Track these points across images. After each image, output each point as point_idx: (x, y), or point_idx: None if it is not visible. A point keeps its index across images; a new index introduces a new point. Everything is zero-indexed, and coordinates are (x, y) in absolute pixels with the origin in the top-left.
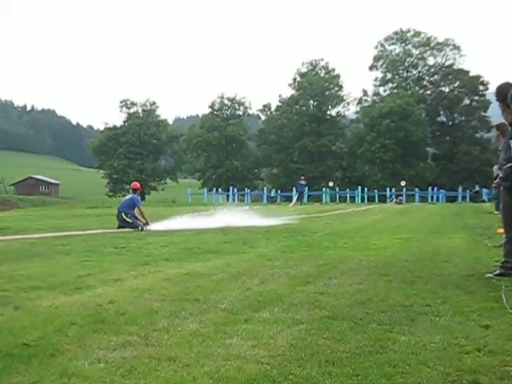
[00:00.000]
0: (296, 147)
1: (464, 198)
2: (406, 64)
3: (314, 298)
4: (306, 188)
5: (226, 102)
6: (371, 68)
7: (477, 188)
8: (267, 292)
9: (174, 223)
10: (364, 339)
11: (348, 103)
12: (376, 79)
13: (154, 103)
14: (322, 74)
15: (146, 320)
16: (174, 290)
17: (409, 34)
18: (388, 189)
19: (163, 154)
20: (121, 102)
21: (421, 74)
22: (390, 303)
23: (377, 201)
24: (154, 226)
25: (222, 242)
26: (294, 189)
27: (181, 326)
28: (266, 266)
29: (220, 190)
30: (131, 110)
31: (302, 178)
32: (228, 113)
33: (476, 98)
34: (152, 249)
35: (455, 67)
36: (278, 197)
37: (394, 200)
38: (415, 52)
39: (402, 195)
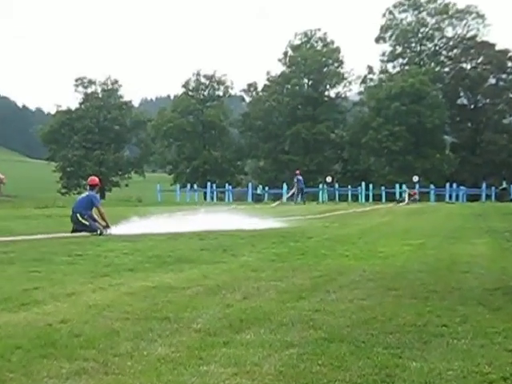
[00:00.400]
0: (287, 135)
1: (488, 196)
2: (420, 35)
3: (307, 317)
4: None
5: (203, 80)
6: (378, 40)
7: (504, 184)
8: (251, 309)
9: (140, 226)
10: (367, 366)
11: (350, 82)
12: (383, 54)
13: (116, 82)
14: (319, 48)
15: (106, 343)
16: (139, 306)
17: (423, 0)
18: (398, 185)
19: (127, 143)
20: (76, 80)
21: (437, 47)
22: (399, 323)
23: (384, 199)
24: (116, 230)
25: (198, 249)
26: (284, 185)
27: (147, 349)
28: (251, 278)
29: (196, 186)
30: (89, 90)
31: (298, 172)
32: (205, 93)
33: (503, 76)
34: (113, 257)
35: (478, 39)
36: (266, 194)
37: (406, 199)
38: (431, 21)
39: (416, 192)
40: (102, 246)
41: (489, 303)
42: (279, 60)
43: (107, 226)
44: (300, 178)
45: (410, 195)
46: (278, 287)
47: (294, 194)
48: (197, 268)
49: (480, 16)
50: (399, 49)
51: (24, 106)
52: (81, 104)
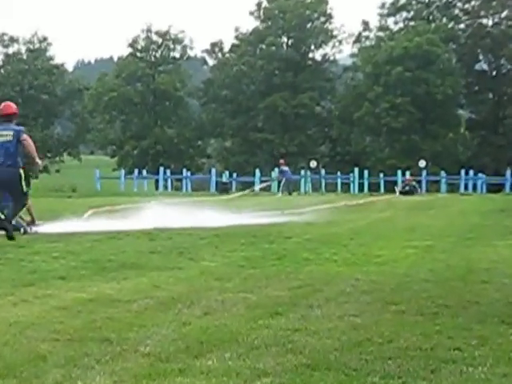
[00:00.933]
0: (261, 108)
1: None
2: None
3: (285, 338)
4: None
5: (154, 38)
6: None
7: None
8: (214, 328)
9: (75, 223)
10: None
11: (340, 42)
12: (383, 6)
13: (45, 40)
14: None
15: (30, 370)
16: (72, 324)
17: None
18: (400, 172)
19: (58, 118)
20: None
21: None
22: (401, 345)
23: (383, 190)
24: (44, 228)
25: (147, 252)
26: (257, 171)
27: (82, 379)
28: (214, 289)
29: (145, 172)
30: (10, 50)
31: (282, 162)
32: (158, 55)
33: None
34: (40, 262)
35: None
36: (233, 183)
37: (399, 187)
38: None
39: (414, 180)
40: (26, 247)
41: None
42: (251, 13)
43: (33, 223)
44: (286, 168)
45: (403, 183)
46: (247, 300)
47: (282, 184)
48: (145, 276)
49: None
50: (402, 0)
51: None
52: (0, 67)
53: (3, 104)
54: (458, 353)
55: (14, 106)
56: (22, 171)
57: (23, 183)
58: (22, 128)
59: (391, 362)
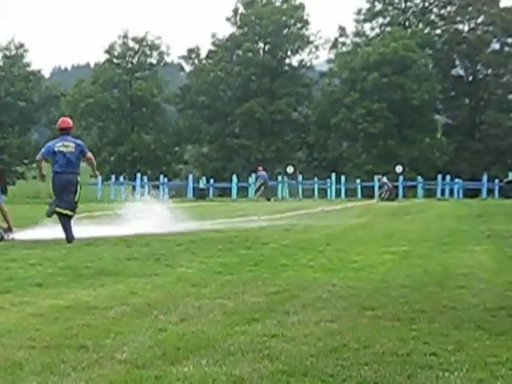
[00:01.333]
0: (238, 114)
1: (491, 191)
2: None
3: (262, 344)
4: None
5: (131, 44)
6: None
7: (510, 177)
8: (191, 334)
9: (51, 230)
10: None
11: (317, 48)
12: (359, 12)
13: (22, 46)
14: (278, 3)
15: (6, 378)
16: (48, 331)
17: None
18: (376, 177)
19: (35, 124)
20: None
21: (427, 3)
22: (377, 351)
23: (360, 195)
24: (20, 234)
25: (124, 259)
26: (234, 177)
27: None
28: (190, 295)
29: (122, 178)
30: None
31: (261, 168)
32: (135, 61)
33: (510, 40)
34: (16, 269)
35: None
36: (211, 189)
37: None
38: None
39: (387, 184)
40: (2, 254)
41: (490, 326)
42: (228, 19)
43: (9, 229)
44: (263, 173)
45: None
46: (224, 307)
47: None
48: (122, 282)
49: None
50: (379, 6)
51: None
52: None
53: (61, 119)
54: (434, 358)
55: (70, 121)
56: (79, 178)
57: (78, 188)
58: (82, 143)
59: (367, 368)
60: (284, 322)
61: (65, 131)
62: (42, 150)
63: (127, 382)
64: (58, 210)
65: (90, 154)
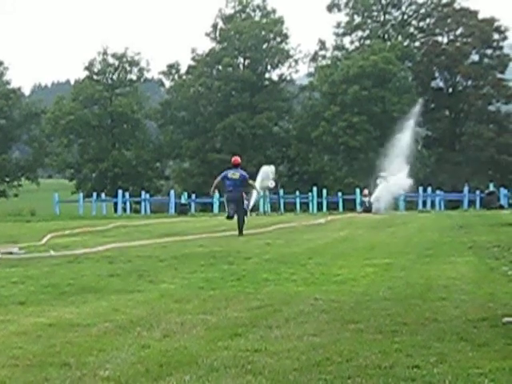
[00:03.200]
0: (219, 129)
1: (472, 202)
2: (384, 1)
3: (245, 359)
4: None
5: (111, 60)
6: (330, 8)
7: (491, 188)
8: (174, 350)
9: (33, 247)
10: None
11: (296, 61)
12: (338, 25)
13: (1, 63)
14: (257, 18)
15: None
16: (31, 349)
17: None
18: (358, 190)
19: (16, 142)
20: None
21: (406, 16)
22: (360, 364)
23: (341, 209)
24: (1, 252)
25: (107, 275)
26: (216, 192)
27: None
28: (173, 311)
29: (104, 195)
30: None
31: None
32: (115, 77)
33: (488, 52)
34: None
35: (457, 6)
36: (193, 204)
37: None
38: None
39: (367, 195)
40: None
41: (472, 338)
42: (207, 34)
43: None
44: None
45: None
46: (207, 322)
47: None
48: (104, 299)
49: None
50: (358, 19)
51: None
52: None
53: (234, 158)
54: (417, 370)
55: (239, 159)
56: (244, 195)
57: (244, 201)
58: (246, 174)
59: (351, 382)
60: (267, 336)
61: (236, 165)
62: (221, 174)
63: None
64: (231, 213)
65: (250, 180)
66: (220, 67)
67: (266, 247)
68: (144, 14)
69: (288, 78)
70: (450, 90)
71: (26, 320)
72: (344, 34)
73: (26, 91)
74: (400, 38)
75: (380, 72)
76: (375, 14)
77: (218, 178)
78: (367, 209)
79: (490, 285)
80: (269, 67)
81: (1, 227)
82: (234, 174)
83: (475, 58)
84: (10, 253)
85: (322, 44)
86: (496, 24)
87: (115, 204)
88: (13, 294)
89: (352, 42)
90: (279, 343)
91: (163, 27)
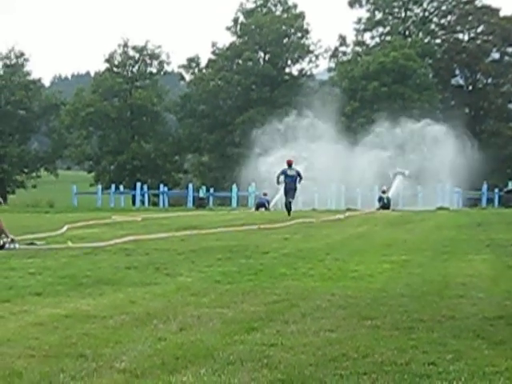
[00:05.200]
0: (238, 123)
1: (490, 200)
2: None
3: (261, 353)
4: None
5: (131, 53)
6: (352, 4)
7: (510, 186)
8: (190, 344)
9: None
10: None
11: (317, 57)
12: (359, 21)
13: (22, 55)
14: (278, 13)
15: None
16: (48, 340)
17: None
18: (376, 186)
19: (35, 133)
20: None
21: (427, 13)
22: (376, 360)
23: (360, 205)
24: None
25: (124, 267)
26: (234, 187)
27: None
28: (190, 305)
29: (122, 187)
30: None
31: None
32: (135, 70)
33: (509, 50)
34: (16, 278)
35: (478, 3)
36: (211, 198)
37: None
38: None
39: (386, 191)
40: (1, 263)
41: (488, 336)
42: (228, 28)
43: (10, 239)
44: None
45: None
46: (223, 316)
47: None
48: (122, 291)
49: None
50: (379, 15)
51: None
52: None
53: (289, 160)
54: (432, 367)
55: (293, 159)
56: (298, 186)
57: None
58: (300, 171)
59: (366, 377)
60: (283, 331)
61: (290, 164)
62: (281, 171)
63: None
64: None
65: (302, 175)
66: (240, 61)
67: (284, 242)
68: (165, 7)
69: (308, 73)
70: (470, 87)
71: (42, 311)
72: (365, 30)
73: (46, 82)
74: (421, 34)
75: (400, 68)
76: (396, 10)
77: (281, 176)
78: (385, 205)
79: (507, 283)
80: (289, 62)
81: (19, 217)
82: (291, 171)
83: (496, 55)
84: (32, 243)
85: (343, 40)
86: None
87: (133, 196)
88: (30, 285)
89: (372, 38)
90: (295, 338)
91: (184, 21)
